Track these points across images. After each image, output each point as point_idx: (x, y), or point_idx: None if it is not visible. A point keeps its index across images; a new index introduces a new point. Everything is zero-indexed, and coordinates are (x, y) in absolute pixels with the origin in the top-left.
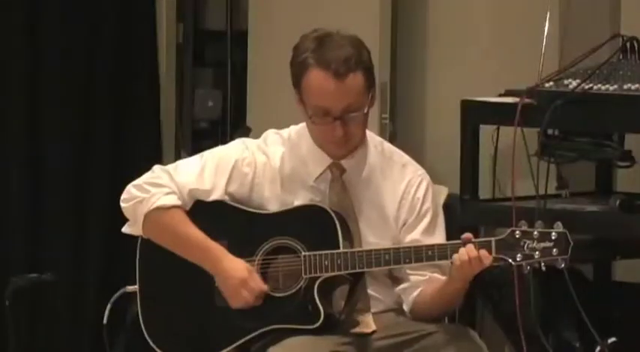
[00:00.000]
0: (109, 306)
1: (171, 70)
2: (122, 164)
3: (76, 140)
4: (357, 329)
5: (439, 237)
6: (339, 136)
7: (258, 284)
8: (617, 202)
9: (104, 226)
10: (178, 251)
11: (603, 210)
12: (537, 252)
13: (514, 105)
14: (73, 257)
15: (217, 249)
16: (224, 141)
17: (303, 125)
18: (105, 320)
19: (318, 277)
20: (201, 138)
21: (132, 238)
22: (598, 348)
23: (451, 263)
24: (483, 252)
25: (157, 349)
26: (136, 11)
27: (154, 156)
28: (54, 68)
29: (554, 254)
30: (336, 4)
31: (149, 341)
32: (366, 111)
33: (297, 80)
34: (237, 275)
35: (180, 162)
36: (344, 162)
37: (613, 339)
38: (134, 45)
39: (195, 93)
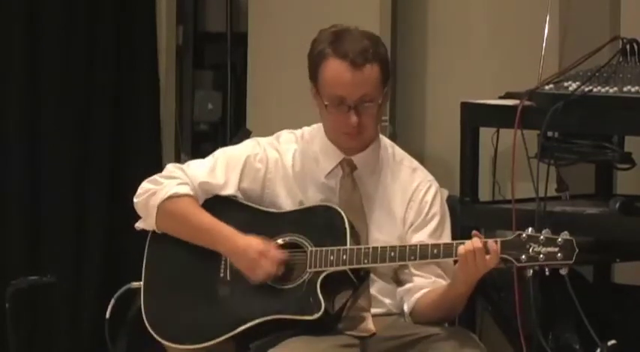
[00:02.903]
0: (112, 301)
1: (171, 72)
2: (122, 166)
3: (75, 142)
4: (357, 332)
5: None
6: (353, 125)
7: (277, 253)
8: (617, 204)
9: (104, 228)
10: (190, 237)
11: (603, 212)
12: (542, 256)
13: (514, 107)
14: (73, 258)
15: (229, 230)
16: (224, 144)
17: (315, 126)
18: (108, 315)
19: (323, 271)
20: (201, 140)
21: (132, 240)
22: (598, 351)
23: (455, 262)
24: (491, 244)
25: (156, 336)
26: (136, 13)
27: (154, 158)
28: (54, 70)
29: (559, 258)
30: (335, 6)
31: (149, 328)
32: (380, 102)
33: (315, 71)
34: (254, 248)
35: (192, 161)
36: (355, 159)
37: (613, 342)
38: (134, 47)
39: (195, 96)
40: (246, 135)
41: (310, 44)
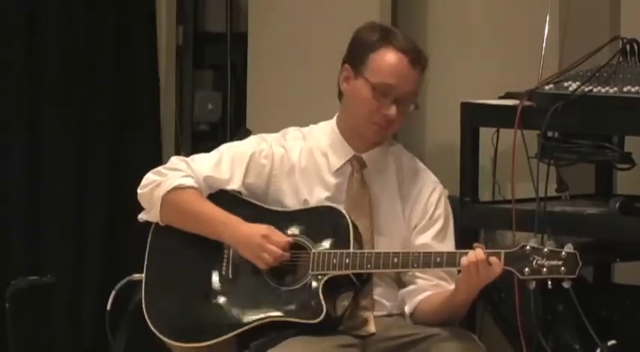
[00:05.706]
0: (113, 293)
1: (171, 72)
2: (122, 166)
3: (76, 142)
4: (358, 331)
5: (449, 244)
6: (390, 116)
7: (282, 237)
8: (617, 205)
9: (104, 228)
10: (194, 229)
11: (603, 212)
12: (545, 269)
13: (514, 107)
14: (73, 258)
15: (234, 219)
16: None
17: (323, 124)
18: (109, 307)
19: (325, 275)
20: (201, 140)
21: (132, 240)
22: (598, 351)
23: (459, 271)
24: (494, 259)
25: (156, 332)
26: (136, 13)
27: (154, 158)
28: (54, 70)
29: (562, 272)
30: (335, 6)
31: (149, 324)
32: (412, 106)
33: (362, 56)
34: (259, 232)
35: (197, 155)
36: (365, 156)
37: (613, 342)
38: (134, 47)
39: (195, 96)
40: (246, 135)
41: (354, 33)
